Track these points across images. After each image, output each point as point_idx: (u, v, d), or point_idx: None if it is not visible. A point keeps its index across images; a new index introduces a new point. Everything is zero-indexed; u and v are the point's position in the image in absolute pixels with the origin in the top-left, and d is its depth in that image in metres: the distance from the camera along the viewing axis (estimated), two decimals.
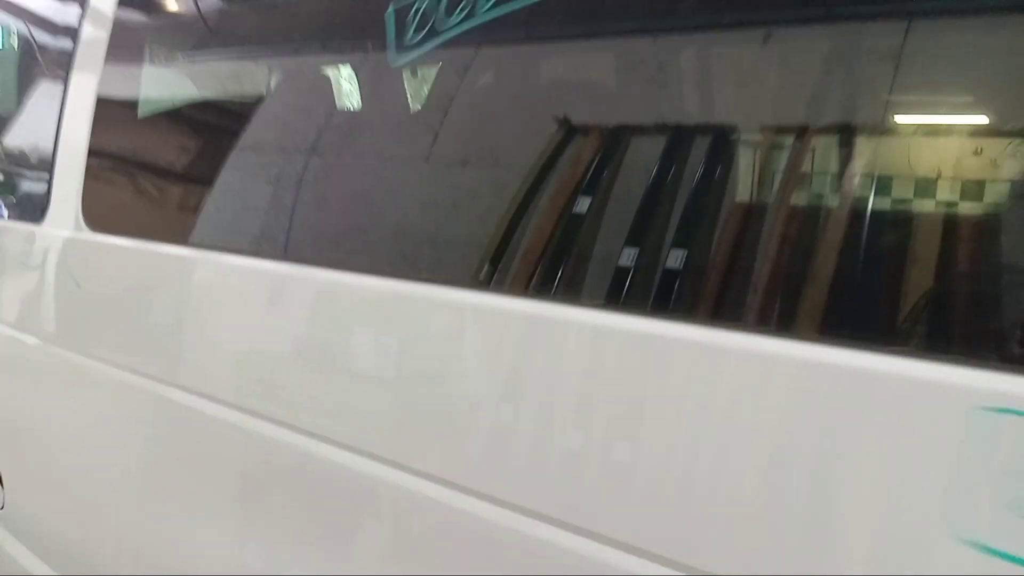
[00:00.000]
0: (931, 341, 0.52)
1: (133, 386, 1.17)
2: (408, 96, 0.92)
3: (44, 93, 1.67)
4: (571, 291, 0.73)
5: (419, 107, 0.91)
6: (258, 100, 1.29)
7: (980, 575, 0.46)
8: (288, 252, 0.98)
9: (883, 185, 0.57)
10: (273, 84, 1.25)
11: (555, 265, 0.74)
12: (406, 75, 0.91)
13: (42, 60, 1.81)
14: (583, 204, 0.74)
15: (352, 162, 1.00)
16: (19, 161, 1.72)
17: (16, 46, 2.12)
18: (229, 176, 1.16)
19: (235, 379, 1.01)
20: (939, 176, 0.55)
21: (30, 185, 1.54)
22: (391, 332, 0.83)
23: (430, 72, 0.89)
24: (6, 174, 1.81)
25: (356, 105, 1.02)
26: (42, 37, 1.86)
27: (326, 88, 1.07)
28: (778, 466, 0.55)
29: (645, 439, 0.62)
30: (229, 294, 1.05)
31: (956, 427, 0.48)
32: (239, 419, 0.98)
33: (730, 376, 0.58)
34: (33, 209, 1.43)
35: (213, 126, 1.40)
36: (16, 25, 2.13)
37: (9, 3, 2.03)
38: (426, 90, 0.90)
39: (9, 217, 1.68)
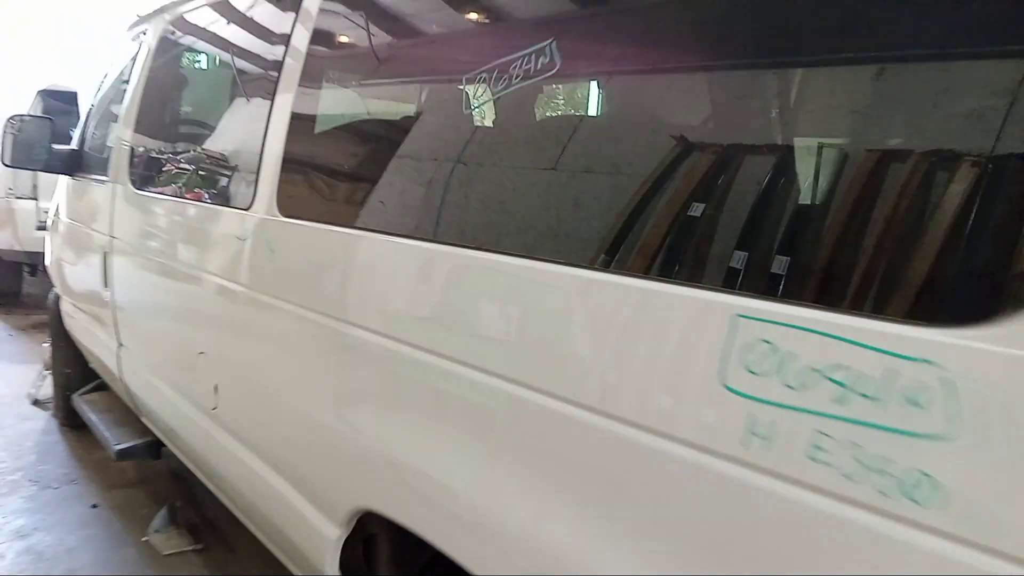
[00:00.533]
0: (713, 277, 0.95)
1: (309, 319, 1.74)
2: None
3: (249, 111, 2.29)
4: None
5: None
6: (406, 118, 1.82)
7: (728, 402, 0.89)
8: (418, 232, 1.49)
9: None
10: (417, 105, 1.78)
11: None
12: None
13: (244, 84, 2.45)
14: None
15: (463, 164, 1.50)
16: (231, 162, 2.36)
17: (220, 71, 2.79)
18: (382, 177, 1.70)
19: (384, 315, 1.52)
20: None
21: (242, 180, 2.15)
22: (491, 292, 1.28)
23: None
24: (211, 171, 2.47)
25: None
26: (249, 66, 2.49)
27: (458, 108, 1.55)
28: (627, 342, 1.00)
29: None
30: (372, 258, 1.59)
31: (724, 324, 0.90)
32: (388, 343, 1.49)
33: (598, 299, 1.04)
34: (244, 198, 2.04)
35: (373, 137, 1.96)
36: (222, 55, 2.80)
37: (222, 38, 2.69)
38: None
39: (215, 203, 2.33)
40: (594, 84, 1.43)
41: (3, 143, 3.40)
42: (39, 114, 4.95)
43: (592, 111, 1.53)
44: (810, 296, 0.86)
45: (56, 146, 3.56)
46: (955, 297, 0.77)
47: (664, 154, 1.07)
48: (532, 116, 1.52)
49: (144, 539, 3.02)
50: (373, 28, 1.90)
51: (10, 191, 6.27)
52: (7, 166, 3.48)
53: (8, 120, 3.45)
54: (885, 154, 0.83)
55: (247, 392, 2.08)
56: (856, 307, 0.81)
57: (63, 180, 3.85)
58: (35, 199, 6.21)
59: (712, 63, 1.07)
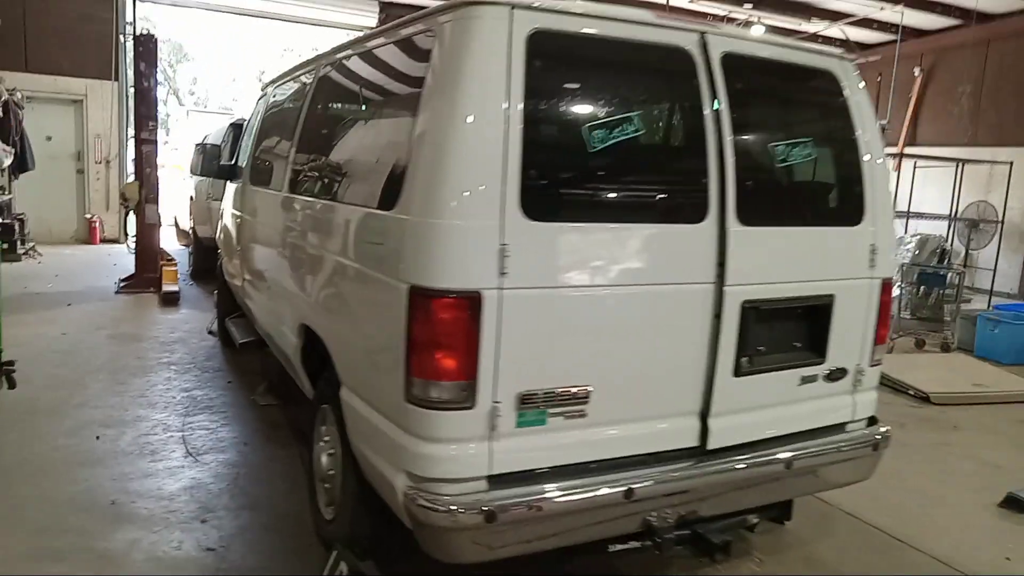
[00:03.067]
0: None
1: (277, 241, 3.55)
2: None
3: (285, 138, 4.17)
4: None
5: None
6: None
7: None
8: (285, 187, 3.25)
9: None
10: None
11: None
12: None
13: (293, 124, 4.34)
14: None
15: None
16: (279, 165, 4.25)
17: (289, 117, 4.71)
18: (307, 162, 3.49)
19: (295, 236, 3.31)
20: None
21: (278, 173, 4.03)
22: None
23: None
24: (275, 171, 4.36)
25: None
26: (294, 113, 4.39)
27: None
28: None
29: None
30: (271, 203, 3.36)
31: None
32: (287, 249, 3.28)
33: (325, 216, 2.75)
34: (278, 183, 3.91)
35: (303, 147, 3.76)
36: (292, 107, 4.72)
37: (289, 100, 4.62)
38: None
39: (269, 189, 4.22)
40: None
41: (192, 161, 5.60)
42: (212, 142, 7.30)
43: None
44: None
45: (223, 162, 5.71)
46: (388, 203, 2.40)
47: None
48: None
49: (252, 397, 5.03)
50: (316, 98, 3.71)
51: (210, 196, 8.81)
52: (192, 174, 5.68)
53: (195, 145, 5.65)
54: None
55: (271, 284, 3.94)
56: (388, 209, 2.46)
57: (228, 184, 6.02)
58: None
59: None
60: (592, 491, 2.33)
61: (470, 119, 2.16)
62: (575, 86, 2.41)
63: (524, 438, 2.29)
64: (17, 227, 10.51)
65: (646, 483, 2.40)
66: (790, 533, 3.55)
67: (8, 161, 10.03)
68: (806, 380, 2.78)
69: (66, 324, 6.88)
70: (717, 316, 2.51)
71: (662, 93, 2.58)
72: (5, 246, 6.01)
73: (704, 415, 2.58)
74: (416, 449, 2.24)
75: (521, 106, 2.18)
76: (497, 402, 2.23)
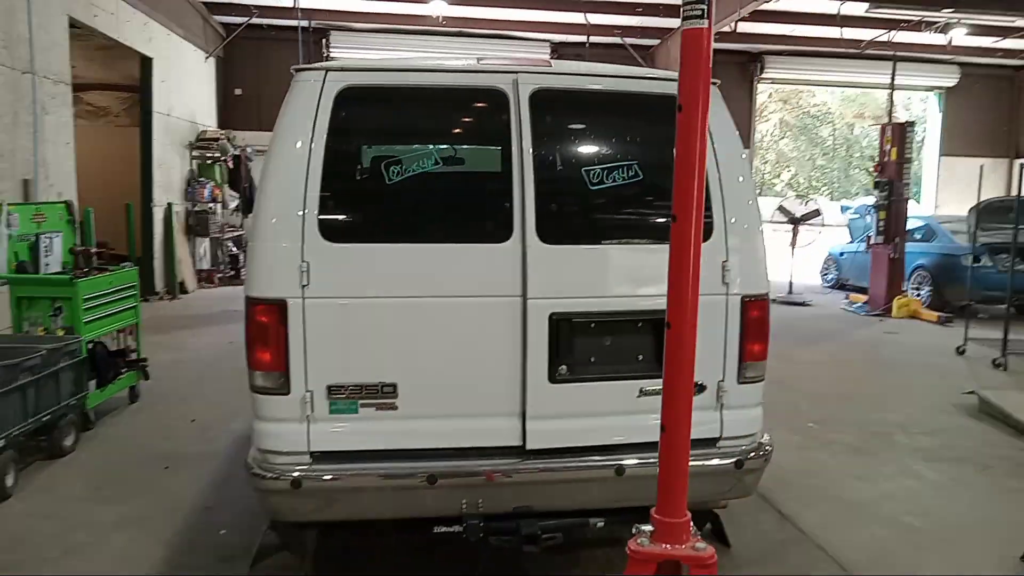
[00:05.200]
0: None
1: None
2: None
3: None
4: None
5: None
6: None
7: None
8: None
9: None
10: None
11: None
12: None
13: None
14: None
15: None
16: None
17: None
18: None
19: None
20: None
21: None
22: None
23: None
24: None
25: None
26: None
27: None
28: None
29: None
30: None
31: None
32: None
33: None
34: None
35: None
36: None
37: None
38: None
39: None
40: None
41: None
42: None
43: None
44: None
45: None
46: None
47: None
48: None
49: None
50: None
51: None
52: None
53: None
54: None
55: None
56: None
57: None
58: None
59: None
60: (393, 474, 2.71)
61: (279, 159, 2.71)
62: (378, 130, 2.86)
63: (338, 423, 2.74)
64: (242, 257, 12.80)
65: (450, 472, 2.72)
66: (734, 557, 3.51)
67: (234, 204, 12.30)
68: (648, 392, 2.88)
69: (237, 336, 8.37)
70: (526, 326, 2.76)
71: (476, 129, 2.91)
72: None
73: (524, 417, 2.81)
74: (256, 427, 2.80)
75: (323, 147, 2.67)
76: (309, 391, 2.71)
